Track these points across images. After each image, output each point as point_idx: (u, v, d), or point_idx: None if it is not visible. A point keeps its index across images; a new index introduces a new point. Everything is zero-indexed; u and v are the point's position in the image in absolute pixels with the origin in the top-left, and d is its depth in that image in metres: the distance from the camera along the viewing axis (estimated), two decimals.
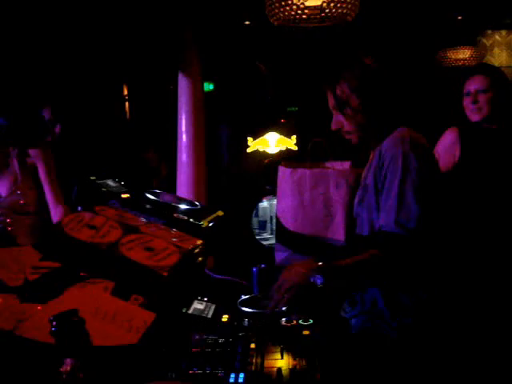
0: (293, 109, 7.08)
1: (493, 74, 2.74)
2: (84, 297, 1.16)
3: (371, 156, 2.03)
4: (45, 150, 2.87)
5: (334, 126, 2.03)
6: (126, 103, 5.01)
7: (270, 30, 4.58)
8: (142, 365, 1.10)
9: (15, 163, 2.86)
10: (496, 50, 7.22)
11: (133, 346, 1.06)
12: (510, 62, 7.17)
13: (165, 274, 1.29)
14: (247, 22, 6.44)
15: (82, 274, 1.24)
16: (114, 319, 1.11)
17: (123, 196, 1.86)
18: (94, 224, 1.42)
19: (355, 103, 1.96)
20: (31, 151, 2.86)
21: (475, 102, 2.66)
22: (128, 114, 5.41)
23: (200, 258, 1.62)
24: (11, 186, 2.81)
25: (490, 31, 7.29)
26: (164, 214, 1.79)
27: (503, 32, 7.30)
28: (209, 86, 6.74)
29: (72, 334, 0.87)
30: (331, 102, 2.02)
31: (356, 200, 2.10)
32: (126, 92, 6.01)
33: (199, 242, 1.57)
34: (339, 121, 2.01)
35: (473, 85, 2.70)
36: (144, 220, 1.64)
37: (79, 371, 0.86)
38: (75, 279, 1.22)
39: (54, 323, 0.86)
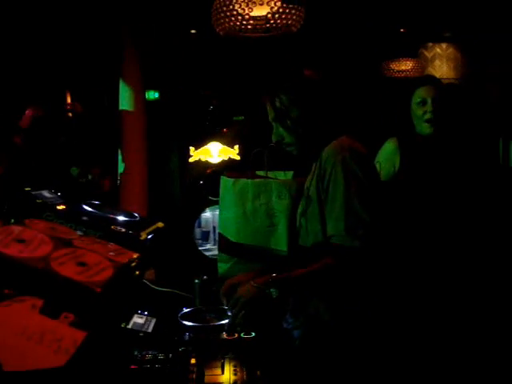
0: (239, 118, 7.08)
1: (440, 85, 2.80)
2: (9, 316, 1.10)
3: (313, 166, 2.03)
4: None
5: (274, 139, 2.01)
6: (69, 113, 4.88)
7: (216, 39, 4.55)
8: None
9: None
10: (437, 62, 7.41)
11: (61, 369, 1.00)
12: (450, 74, 7.36)
13: (98, 290, 1.23)
14: (193, 31, 6.41)
15: (7, 291, 1.17)
16: (41, 340, 1.05)
17: (58, 207, 1.79)
18: (23, 238, 1.35)
19: (294, 115, 1.95)
20: None
21: (431, 112, 2.68)
22: (70, 123, 5.28)
23: (137, 272, 1.57)
24: None
25: (431, 44, 7.47)
26: (101, 226, 1.73)
27: (443, 45, 7.50)
28: (154, 95, 6.67)
29: None
30: (271, 114, 2.01)
31: (299, 211, 2.09)
32: (69, 100, 5.88)
33: (135, 255, 1.52)
34: (279, 133, 2.00)
35: (428, 94, 2.71)
36: (79, 233, 1.58)
37: None
38: (1, 297, 1.15)
39: None
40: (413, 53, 7.33)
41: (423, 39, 7.41)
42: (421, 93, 2.73)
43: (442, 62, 7.41)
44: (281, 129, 1.99)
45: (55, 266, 1.28)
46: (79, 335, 1.09)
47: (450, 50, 7.54)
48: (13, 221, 1.56)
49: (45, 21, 4.54)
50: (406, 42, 6.90)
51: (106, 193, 4.19)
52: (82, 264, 1.32)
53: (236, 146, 4.63)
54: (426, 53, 7.43)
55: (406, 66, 6.75)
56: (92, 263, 1.34)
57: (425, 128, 2.70)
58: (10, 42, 4.59)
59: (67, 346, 1.05)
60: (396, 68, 6.73)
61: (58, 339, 1.06)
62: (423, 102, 2.71)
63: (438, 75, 7.10)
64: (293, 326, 2.06)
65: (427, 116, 2.68)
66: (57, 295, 1.21)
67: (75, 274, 1.27)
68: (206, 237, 3.48)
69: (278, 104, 1.97)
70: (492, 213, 2.76)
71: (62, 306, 1.17)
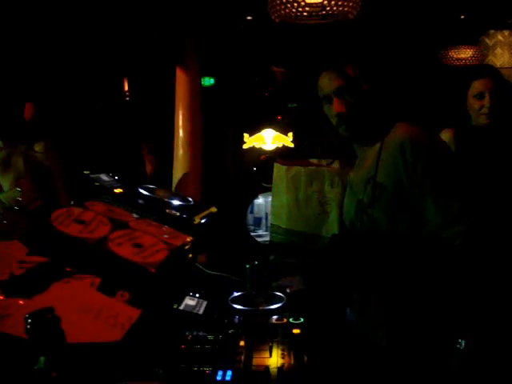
0: (293, 105, 7.08)
1: (499, 76, 2.73)
2: (69, 292, 1.16)
3: (370, 152, 1.93)
4: (51, 145, 2.88)
5: (338, 109, 1.88)
6: (127, 98, 5.01)
7: (271, 26, 4.57)
8: (126, 361, 1.09)
9: (21, 160, 2.87)
10: (498, 50, 7.19)
11: (117, 343, 1.05)
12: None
13: (152, 270, 1.28)
14: (249, 17, 6.43)
15: (68, 269, 1.23)
16: (98, 315, 1.11)
17: (116, 191, 1.86)
18: (83, 219, 1.42)
19: (362, 87, 1.88)
20: (39, 147, 2.87)
21: (488, 106, 2.63)
22: (128, 108, 5.41)
23: (190, 255, 1.62)
24: (13, 182, 2.82)
25: (492, 31, 7.25)
26: (156, 209, 1.79)
27: (506, 32, 7.26)
28: (210, 81, 6.73)
29: (45, 331, 0.87)
30: (337, 82, 1.89)
31: (361, 201, 1.95)
32: (126, 87, 6.01)
33: (189, 238, 1.56)
34: (342, 104, 1.88)
35: (485, 87, 2.66)
36: (135, 215, 1.64)
37: (52, 369, 0.86)
38: (62, 274, 1.22)
39: (28, 321, 0.86)
40: (473, 40, 7.14)
41: (484, 26, 7.21)
42: (478, 85, 2.67)
43: (503, 50, 7.19)
44: (346, 99, 1.88)
45: (113, 247, 1.34)
46: (134, 312, 1.14)
47: None
48: (73, 202, 1.63)
49: (111, 14, 4.65)
50: (466, 29, 6.73)
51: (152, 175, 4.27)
52: (138, 245, 1.37)
53: (290, 134, 4.64)
54: (487, 40, 7.22)
55: (465, 54, 6.60)
56: (147, 245, 1.39)
57: (482, 120, 2.65)
58: (80, 31, 4.74)
59: (123, 322, 1.10)
60: (455, 56, 6.59)
61: (114, 315, 1.12)
62: (480, 95, 2.65)
63: (499, 63, 6.91)
64: (369, 325, 1.94)
65: (484, 110, 2.63)
66: (114, 274, 1.27)
67: (131, 254, 1.33)
68: (258, 223, 3.51)
69: (350, 71, 1.88)
70: None
71: (118, 285, 1.22)
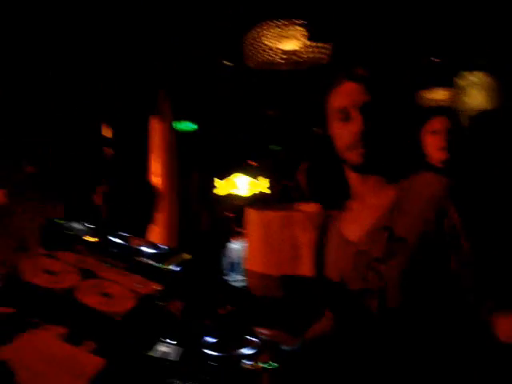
0: (276, 148, 7.16)
1: (456, 116, 2.88)
2: (34, 343, 1.17)
3: (379, 197, 1.71)
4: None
5: (360, 127, 1.62)
6: (105, 144, 5.07)
7: (251, 70, 4.67)
8: None
9: None
10: (472, 92, 7.38)
11: None
12: (485, 104, 7.32)
13: (118, 319, 1.30)
14: (228, 63, 6.57)
15: (35, 320, 1.25)
16: (63, 366, 1.12)
17: (88, 239, 1.88)
18: (51, 269, 1.44)
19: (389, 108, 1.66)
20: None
21: (445, 140, 2.77)
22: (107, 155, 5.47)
23: (161, 303, 1.64)
24: None
25: (465, 72, 7.45)
26: (127, 257, 1.81)
27: (478, 74, 7.46)
28: (191, 126, 6.81)
29: None
30: (363, 96, 1.64)
31: (360, 251, 1.71)
32: (106, 133, 6.07)
33: (158, 286, 1.59)
34: (365, 122, 1.63)
35: (442, 124, 2.80)
36: (105, 264, 1.66)
37: None
38: (27, 325, 1.23)
39: None
40: (448, 82, 7.33)
41: (457, 68, 7.41)
42: (431, 122, 2.83)
43: (477, 91, 7.38)
44: (370, 118, 1.63)
45: (80, 297, 1.36)
46: (98, 362, 1.15)
47: (486, 79, 7.50)
48: (42, 252, 1.65)
49: (86, 61, 4.74)
50: (439, 71, 6.91)
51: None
52: (106, 295, 1.39)
53: (265, 179, 4.70)
54: (460, 82, 7.41)
55: (439, 95, 6.77)
56: (115, 294, 1.41)
57: (440, 156, 2.79)
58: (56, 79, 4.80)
59: (87, 372, 1.12)
60: (429, 97, 6.75)
61: (78, 366, 1.13)
62: (434, 132, 2.80)
63: (472, 104, 7.08)
64: None
65: (439, 146, 2.77)
66: (80, 324, 1.28)
67: (98, 304, 1.35)
68: (233, 268, 3.53)
69: (376, 86, 1.65)
70: None
71: (84, 335, 1.24)
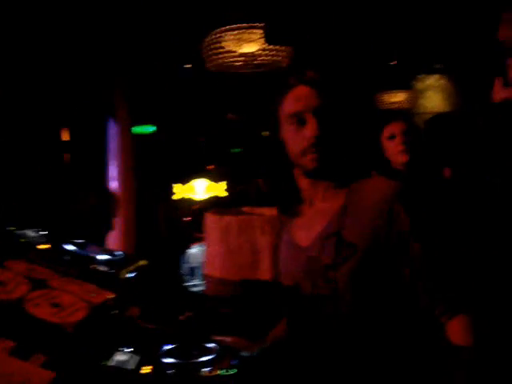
0: (236, 150, 7.15)
1: (410, 119, 2.97)
2: None
3: (330, 201, 1.68)
4: None
5: (314, 132, 1.59)
6: (64, 149, 4.98)
7: (210, 74, 4.65)
8: None
9: None
10: (429, 94, 7.51)
11: None
12: (442, 106, 7.46)
13: (70, 330, 1.26)
14: (188, 65, 6.53)
15: None
16: (9, 381, 1.08)
17: (41, 247, 1.83)
18: (0, 279, 1.39)
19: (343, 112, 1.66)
20: None
21: (402, 143, 2.83)
22: (66, 160, 5.38)
23: (116, 311, 1.60)
24: None
25: (423, 75, 7.59)
26: (81, 265, 1.77)
27: (436, 76, 7.61)
28: (150, 129, 6.74)
29: None
30: (317, 100, 1.61)
31: (309, 257, 1.69)
32: (65, 137, 5.96)
33: (111, 295, 1.55)
34: (320, 127, 1.60)
35: (397, 128, 2.87)
36: (57, 273, 1.62)
37: None
38: None
39: None
40: (406, 85, 7.44)
41: (415, 71, 7.53)
42: (388, 128, 2.89)
43: (434, 94, 7.51)
44: (324, 122, 1.60)
45: (29, 307, 1.31)
46: (48, 376, 1.12)
47: (442, 81, 7.64)
48: None
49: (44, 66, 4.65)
50: (397, 74, 7.01)
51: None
52: (57, 305, 1.35)
53: (223, 182, 4.69)
54: (417, 84, 7.54)
55: (398, 97, 6.88)
56: (66, 304, 1.37)
57: (400, 158, 2.83)
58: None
59: None
60: (388, 100, 6.85)
61: (26, 380, 1.09)
62: (392, 136, 2.86)
63: (429, 107, 7.21)
64: None
65: (400, 148, 2.82)
66: (29, 336, 1.24)
67: (49, 314, 1.31)
68: (192, 272, 3.50)
69: (330, 91, 1.63)
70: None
71: (33, 348, 1.20)
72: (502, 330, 2.02)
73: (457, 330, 1.49)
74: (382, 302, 1.57)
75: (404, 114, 3.20)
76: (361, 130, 1.78)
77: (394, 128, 2.88)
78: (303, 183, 1.75)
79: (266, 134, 1.77)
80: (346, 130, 1.68)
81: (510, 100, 1.02)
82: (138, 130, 5.70)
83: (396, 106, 6.90)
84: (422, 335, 1.55)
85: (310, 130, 1.60)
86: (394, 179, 2.78)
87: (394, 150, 2.86)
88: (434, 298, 1.52)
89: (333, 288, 1.58)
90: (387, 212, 1.53)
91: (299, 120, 1.63)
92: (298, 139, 1.64)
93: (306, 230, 1.73)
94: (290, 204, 1.84)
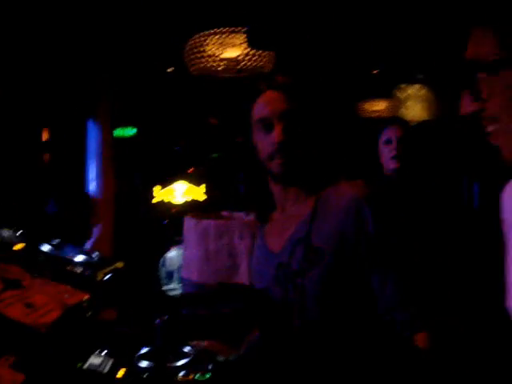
0: (215, 155, 7.14)
1: (407, 126, 2.98)
2: None
3: (299, 206, 1.70)
4: None
5: (280, 137, 1.59)
6: (44, 149, 4.94)
7: (192, 77, 4.64)
8: None
9: None
10: (409, 104, 7.56)
11: None
12: (423, 115, 7.52)
13: (42, 330, 1.25)
14: (170, 69, 6.51)
15: None
16: None
17: (15, 247, 1.81)
18: None
19: (305, 117, 1.65)
20: None
21: (396, 149, 2.84)
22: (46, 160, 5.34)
23: (90, 313, 1.58)
24: None
25: (404, 85, 7.64)
26: (56, 266, 1.75)
27: (416, 86, 7.66)
28: (130, 131, 6.71)
29: None
30: (284, 105, 1.61)
31: (279, 263, 1.71)
32: (45, 137, 5.92)
33: (86, 296, 1.54)
34: (286, 132, 1.60)
35: (394, 134, 2.87)
36: (31, 274, 1.60)
37: None
38: None
39: None
40: (387, 93, 7.49)
41: (396, 80, 7.59)
42: (385, 132, 2.89)
43: (414, 103, 7.57)
44: (290, 127, 1.60)
45: (2, 308, 1.29)
46: (18, 377, 1.10)
47: (424, 91, 7.70)
48: None
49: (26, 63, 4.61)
50: (378, 83, 7.06)
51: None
52: (30, 305, 1.34)
53: (202, 186, 4.67)
54: (398, 94, 7.59)
55: (379, 106, 6.91)
56: (40, 304, 1.35)
57: (392, 164, 2.84)
58: None
59: None
60: (369, 108, 6.88)
61: None
62: (388, 141, 2.86)
63: (410, 116, 7.26)
64: None
65: (392, 154, 2.83)
66: (1, 337, 1.22)
67: (21, 315, 1.29)
68: (170, 276, 3.47)
69: (297, 96, 1.63)
70: (453, 252, 2.82)
71: (4, 348, 1.18)
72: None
73: (425, 337, 1.50)
74: (350, 310, 1.57)
75: (401, 120, 3.20)
76: (327, 135, 1.77)
77: (390, 133, 2.89)
78: (275, 189, 1.77)
79: (240, 139, 1.77)
80: (315, 135, 1.69)
81: (477, 114, 1.03)
82: (119, 132, 5.67)
83: (377, 114, 6.94)
84: (391, 344, 1.56)
85: (277, 135, 1.60)
86: (383, 185, 2.81)
87: (387, 155, 2.87)
88: (403, 306, 1.53)
89: (301, 294, 1.58)
90: (354, 214, 1.53)
91: (267, 125, 1.63)
92: (265, 144, 1.65)
93: (277, 236, 1.75)
94: (263, 209, 1.87)
